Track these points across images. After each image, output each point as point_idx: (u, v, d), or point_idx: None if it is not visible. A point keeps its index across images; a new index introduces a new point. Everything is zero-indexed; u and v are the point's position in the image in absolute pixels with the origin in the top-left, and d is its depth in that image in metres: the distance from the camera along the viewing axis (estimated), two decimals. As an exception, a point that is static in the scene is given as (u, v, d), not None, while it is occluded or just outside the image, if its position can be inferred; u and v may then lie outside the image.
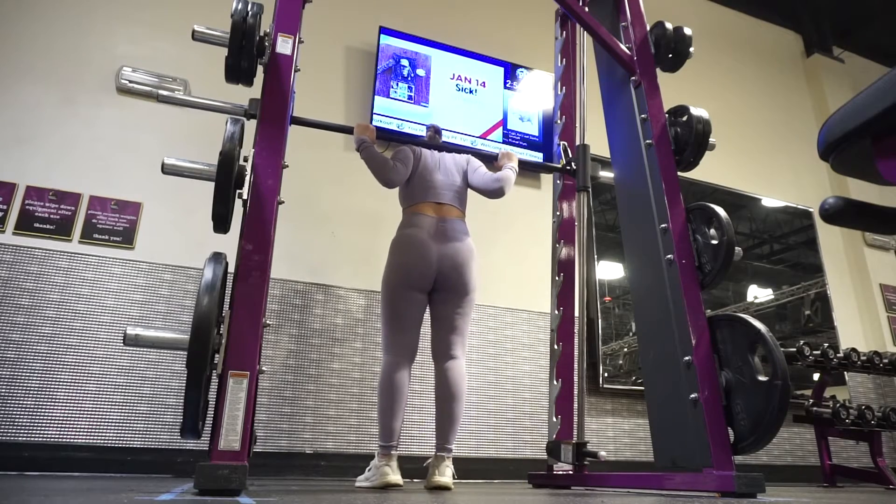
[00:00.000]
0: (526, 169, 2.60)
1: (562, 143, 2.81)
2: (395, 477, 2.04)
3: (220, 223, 1.78)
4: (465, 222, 2.38)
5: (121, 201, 3.08)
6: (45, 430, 2.65)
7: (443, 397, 2.19)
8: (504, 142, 3.99)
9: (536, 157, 4.06)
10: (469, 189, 2.50)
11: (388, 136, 2.50)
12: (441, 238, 2.27)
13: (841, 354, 3.54)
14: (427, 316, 2.34)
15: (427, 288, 2.28)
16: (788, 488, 2.95)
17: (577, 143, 2.74)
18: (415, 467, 3.13)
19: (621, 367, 3.96)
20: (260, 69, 1.96)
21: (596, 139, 2.76)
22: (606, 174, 2.73)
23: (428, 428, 3.25)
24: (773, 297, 4.94)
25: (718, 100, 4.96)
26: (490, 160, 2.57)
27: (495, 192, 2.42)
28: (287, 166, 1.89)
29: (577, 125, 2.78)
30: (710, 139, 2.31)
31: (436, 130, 2.66)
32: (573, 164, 2.72)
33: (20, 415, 2.63)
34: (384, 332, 2.26)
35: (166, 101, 2.00)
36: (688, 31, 2.49)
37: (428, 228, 2.28)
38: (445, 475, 2.06)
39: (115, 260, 2.98)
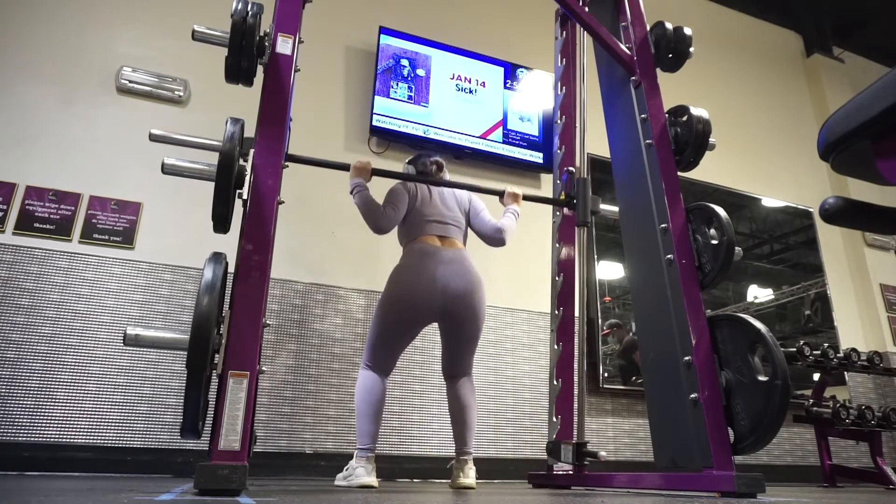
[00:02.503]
0: (527, 200, 2.56)
1: (569, 168, 2.71)
2: (369, 479, 2.12)
3: (220, 223, 1.77)
4: (468, 254, 2.38)
5: (121, 201, 3.08)
6: (45, 430, 2.65)
7: (456, 409, 2.31)
8: (504, 142, 3.99)
9: (536, 157, 4.06)
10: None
11: (386, 173, 2.38)
12: (449, 268, 2.26)
13: (841, 354, 3.54)
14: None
15: (429, 322, 2.32)
16: (788, 488, 2.95)
17: (578, 154, 2.71)
18: (416, 467, 3.13)
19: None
20: (260, 69, 1.96)
21: (596, 139, 2.76)
22: (607, 207, 2.68)
23: (428, 428, 3.25)
24: (773, 297, 4.94)
25: (718, 100, 4.96)
26: (494, 195, 2.56)
27: (497, 242, 2.45)
28: (287, 166, 1.89)
29: (577, 125, 2.78)
30: (710, 139, 2.31)
31: (439, 167, 2.54)
32: (574, 197, 2.60)
33: (20, 415, 2.63)
34: (370, 350, 2.29)
35: (157, 140, 1.91)
36: (688, 31, 2.48)
37: (435, 258, 2.26)
38: (469, 476, 2.21)
39: (115, 260, 2.98)
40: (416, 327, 2.31)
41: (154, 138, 1.86)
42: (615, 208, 2.56)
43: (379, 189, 2.36)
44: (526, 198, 2.57)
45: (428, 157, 2.57)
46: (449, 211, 2.41)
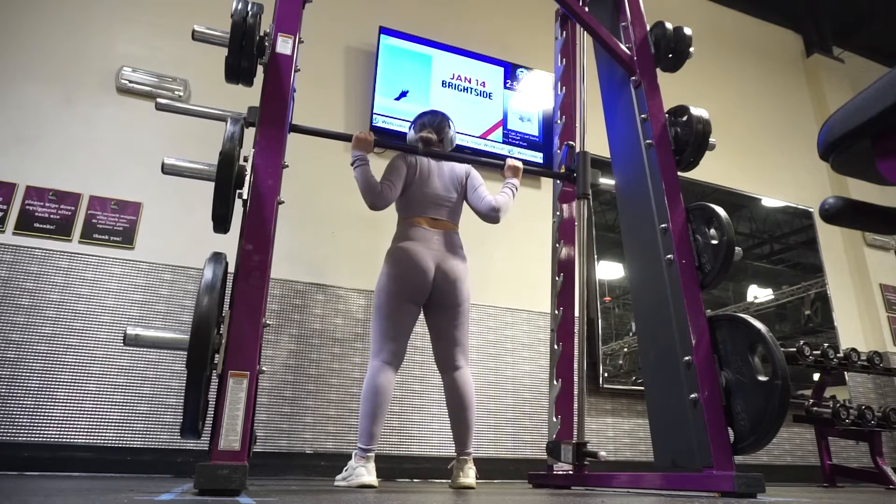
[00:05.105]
0: (526, 173, 2.60)
1: (569, 143, 2.76)
2: (369, 478, 2.11)
3: (220, 223, 1.78)
4: (458, 235, 2.44)
5: (121, 201, 3.08)
6: (45, 430, 2.65)
7: (455, 407, 2.30)
8: (504, 142, 3.99)
9: (536, 157, 4.06)
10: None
11: (388, 144, 2.45)
12: (439, 252, 2.33)
13: (841, 354, 3.54)
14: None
15: (422, 300, 2.34)
16: (788, 488, 2.95)
17: (578, 148, 2.73)
18: (416, 467, 3.13)
19: (621, 367, 3.96)
20: (260, 69, 1.96)
21: (596, 139, 2.76)
22: (607, 181, 2.73)
23: (427, 428, 3.25)
24: (773, 297, 4.94)
25: (718, 100, 4.96)
26: (494, 166, 2.60)
27: (491, 220, 2.47)
28: (287, 166, 1.89)
29: (577, 125, 2.78)
30: (710, 139, 2.31)
31: (436, 131, 2.48)
32: (573, 170, 2.67)
33: (20, 415, 2.63)
34: (375, 338, 2.29)
35: (164, 108, 1.97)
36: (688, 31, 2.49)
37: (426, 242, 2.33)
38: (469, 476, 2.22)
39: (115, 260, 2.98)
40: (416, 303, 2.32)
41: (160, 107, 1.91)
42: (612, 181, 2.58)
43: (379, 168, 2.41)
44: (527, 170, 2.59)
45: (432, 123, 2.50)
46: (445, 191, 2.43)
